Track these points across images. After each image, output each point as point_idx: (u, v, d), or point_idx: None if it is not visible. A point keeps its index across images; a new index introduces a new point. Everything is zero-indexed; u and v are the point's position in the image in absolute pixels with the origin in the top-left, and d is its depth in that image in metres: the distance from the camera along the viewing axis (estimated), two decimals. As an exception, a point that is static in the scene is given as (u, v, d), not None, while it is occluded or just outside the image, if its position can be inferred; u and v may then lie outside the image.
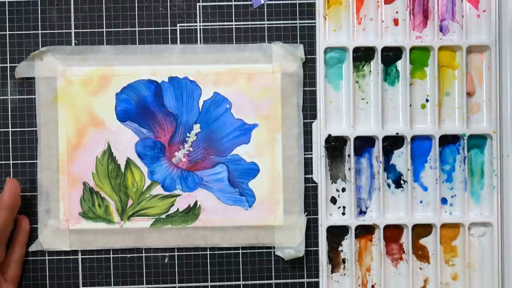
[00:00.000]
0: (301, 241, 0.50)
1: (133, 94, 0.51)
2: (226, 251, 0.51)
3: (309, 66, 0.51)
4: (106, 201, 0.51)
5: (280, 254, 0.50)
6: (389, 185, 0.52)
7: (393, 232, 0.52)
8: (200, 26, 0.51)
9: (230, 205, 0.51)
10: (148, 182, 0.51)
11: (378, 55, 0.51)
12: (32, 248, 0.50)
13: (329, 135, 0.51)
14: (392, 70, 0.52)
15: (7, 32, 0.51)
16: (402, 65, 0.51)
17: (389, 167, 0.52)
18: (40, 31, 0.51)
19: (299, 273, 0.51)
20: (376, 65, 0.51)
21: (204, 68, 0.50)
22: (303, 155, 0.51)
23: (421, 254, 0.52)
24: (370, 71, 0.52)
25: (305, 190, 0.51)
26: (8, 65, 0.51)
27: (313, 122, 0.51)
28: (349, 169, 0.51)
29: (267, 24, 0.51)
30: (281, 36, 0.51)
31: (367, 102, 0.52)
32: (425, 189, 0.52)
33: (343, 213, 0.52)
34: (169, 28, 0.51)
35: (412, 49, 0.51)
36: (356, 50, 0.51)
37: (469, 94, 0.52)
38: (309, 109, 0.51)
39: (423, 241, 0.52)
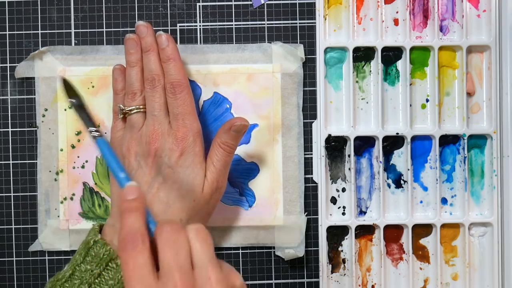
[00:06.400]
0: (301, 241, 0.50)
1: (133, 94, 0.50)
2: (226, 251, 0.51)
3: (309, 66, 0.51)
4: (106, 201, 0.51)
5: (280, 254, 0.50)
6: (389, 185, 0.52)
7: (393, 232, 0.52)
8: (200, 26, 0.51)
9: (230, 205, 0.51)
10: (148, 182, 0.51)
11: (378, 55, 0.51)
12: (32, 248, 0.50)
13: (329, 135, 0.51)
14: (392, 70, 0.52)
15: (7, 32, 0.51)
16: (402, 65, 0.51)
17: (389, 167, 0.52)
18: (40, 31, 0.51)
19: (299, 273, 0.51)
20: (376, 65, 0.51)
21: (204, 68, 0.50)
22: (303, 155, 0.51)
23: (421, 254, 0.52)
24: (370, 71, 0.52)
25: (305, 190, 0.51)
26: (8, 65, 0.51)
27: (313, 122, 0.51)
28: (349, 169, 0.51)
29: (267, 24, 0.51)
30: (281, 36, 0.51)
31: (367, 102, 0.52)
32: (425, 189, 0.52)
33: (343, 213, 0.52)
34: (169, 28, 0.51)
35: (412, 49, 0.51)
36: (356, 50, 0.51)
37: (469, 94, 0.52)
38: (309, 109, 0.51)
39: (423, 241, 0.52)
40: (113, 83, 0.48)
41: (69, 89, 0.42)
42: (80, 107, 0.41)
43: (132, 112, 0.46)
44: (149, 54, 0.46)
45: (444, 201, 0.52)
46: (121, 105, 0.46)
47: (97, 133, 0.40)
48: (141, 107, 0.46)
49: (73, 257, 0.43)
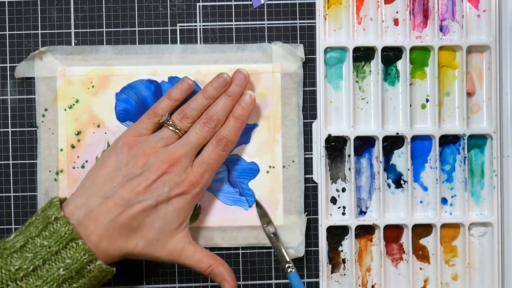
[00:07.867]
0: (301, 241, 0.50)
1: (133, 94, 0.51)
2: (226, 251, 0.51)
3: (309, 66, 0.51)
4: (106, 201, 0.51)
5: (280, 254, 0.50)
6: (389, 185, 0.52)
7: (393, 232, 0.52)
8: (200, 26, 0.51)
9: (230, 205, 0.51)
10: (148, 182, 0.51)
11: (378, 55, 0.51)
12: (32, 248, 0.50)
13: (329, 135, 0.51)
14: (392, 70, 0.52)
15: (7, 32, 0.51)
16: (402, 65, 0.51)
17: (389, 167, 0.52)
18: (40, 31, 0.51)
19: (299, 273, 0.51)
20: (376, 65, 0.51)
21: (204, 68, 0.50)
22: (303, 155, 0.51)
23: (421, 254, 0.52)
24: (370, 71, 0.52)
25: (305, 190, 0.51)
26: (8, 65, 0.51)
27: (313, 122, 0.51)
28: (349, 169, 0.51)
29: (267, 24, 0.51)
30: (281, 36, 0.51)
31: (367, 102, 0.52)
32: (425, 189, 0.52)
33: (343, 213, 0.52)
34: (169, 28, 0.51)
35: (412, 49, 0.51)
36: (356, 50, 0.51)
37: (469, 94, 0.52)
38: (309, 109, 0.51)
39: (423, 241, 0.52)
40: (174, 90, 0.47)
41: (264, 216, 0.49)
42: (276, 239, 0.48)
43: (171, 129, 0.46)
44: (226, 99, 0.47)
45: (444, 201, 0.52)
46: (168, 114, 0.47)
47: (292, 268, 0.46)
48: (181, 130, 0.46)
49: (25, 227, 0.42)
